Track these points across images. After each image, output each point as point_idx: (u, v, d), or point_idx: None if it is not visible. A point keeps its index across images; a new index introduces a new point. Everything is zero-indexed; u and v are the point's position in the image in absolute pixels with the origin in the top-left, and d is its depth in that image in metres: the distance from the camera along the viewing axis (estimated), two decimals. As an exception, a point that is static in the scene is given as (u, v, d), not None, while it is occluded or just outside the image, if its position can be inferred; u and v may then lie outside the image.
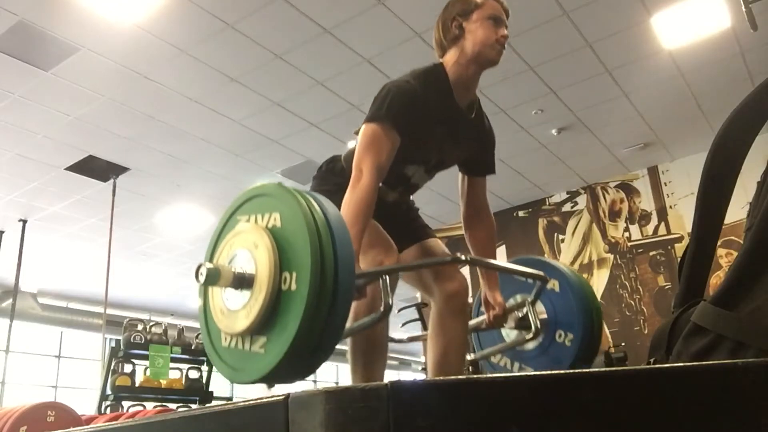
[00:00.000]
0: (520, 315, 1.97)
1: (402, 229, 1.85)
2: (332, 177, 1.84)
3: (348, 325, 1.53)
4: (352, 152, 1.68)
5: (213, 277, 1.19)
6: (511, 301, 2.01)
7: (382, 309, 1.41)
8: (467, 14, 1.74)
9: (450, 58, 1.75)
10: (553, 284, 1.98)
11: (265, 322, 1.14)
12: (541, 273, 1.86)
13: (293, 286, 1.11)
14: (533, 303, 1.91)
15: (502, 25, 1.75)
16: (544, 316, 1.99)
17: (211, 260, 1.25)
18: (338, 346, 1.23)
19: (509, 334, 2.10)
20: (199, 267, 1.20)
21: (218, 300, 1.25)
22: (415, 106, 1.65)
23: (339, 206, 1.55)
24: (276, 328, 1.13)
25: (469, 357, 2.14)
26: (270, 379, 1.16)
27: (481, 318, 1.98)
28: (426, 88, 1.69)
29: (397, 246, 1.75)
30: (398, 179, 1.79)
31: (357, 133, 1.68)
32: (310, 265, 1.08)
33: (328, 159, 1.92)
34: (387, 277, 1.44)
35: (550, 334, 1.97)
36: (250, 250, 1.20)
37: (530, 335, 1.93)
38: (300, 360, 1.13)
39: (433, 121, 1.71)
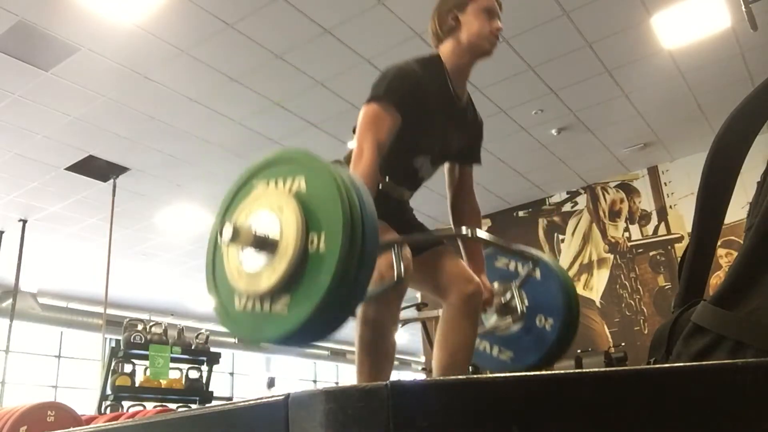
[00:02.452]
0: (504, 301, 2.05)
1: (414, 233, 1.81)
2: None
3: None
4: (351, 154, 1.68)
5: (236, 236, 1.23)
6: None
7: (395, 278, 1.47)
8: (463, 6, 1.81)
9: (446, 49, 1.82)
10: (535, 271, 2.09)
11: (290, 282, 1.17)
12: (535, 254, 1.97)
13: (321, 247, 1.15)
14: (520, 286, 2.01)
15: (496, 18, 1.82)
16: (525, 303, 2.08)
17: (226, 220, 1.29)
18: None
19: (489, 319, 2.15)
20: (222, 226, 1.24)
21: (234, 261, 1.27)
22: (415, 88, 1.68)
23: None
24: (302, 287, 1.16)
25: None
26: (292, 338, 1.19)
27: None
28: (425, 73, 1.73)
29: (412, 251, 1.71)
30: (406, 174, 1.80)
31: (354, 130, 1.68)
32: (342, 225, 1.13)
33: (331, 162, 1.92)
34: (398, 246, 1.50)
35: (531, 319, 2.04)
36: (274, 213, 1.23)
37: (515, 318, 2.01)
38: (327, 317, 1.16)
39: (432, 107, 1.74)
